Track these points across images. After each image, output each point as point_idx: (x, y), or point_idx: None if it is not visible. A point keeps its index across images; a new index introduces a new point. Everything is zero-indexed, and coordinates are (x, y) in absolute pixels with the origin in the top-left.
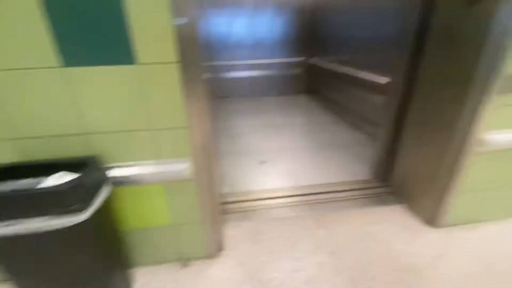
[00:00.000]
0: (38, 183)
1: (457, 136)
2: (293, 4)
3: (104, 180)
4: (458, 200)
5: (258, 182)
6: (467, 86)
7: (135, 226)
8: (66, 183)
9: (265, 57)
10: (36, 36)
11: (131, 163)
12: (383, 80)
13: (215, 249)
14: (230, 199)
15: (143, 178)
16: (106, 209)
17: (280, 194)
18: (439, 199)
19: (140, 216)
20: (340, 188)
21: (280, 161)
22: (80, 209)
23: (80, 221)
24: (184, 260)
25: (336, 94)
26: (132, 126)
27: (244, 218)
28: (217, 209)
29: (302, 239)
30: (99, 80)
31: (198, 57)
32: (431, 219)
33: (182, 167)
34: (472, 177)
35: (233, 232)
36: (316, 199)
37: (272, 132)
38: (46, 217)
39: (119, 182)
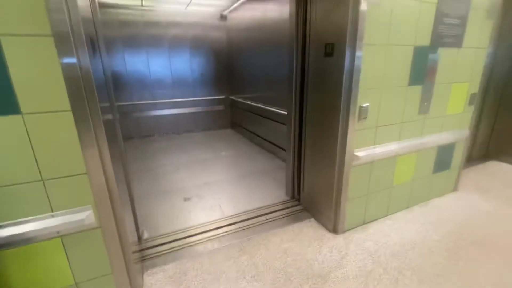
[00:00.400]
0: None
1: (337, 153)
2: (210, 46)
3: None
4: (348, 207)
5: (182, 220)
6: (336, 114)
7: None
8: None
9: (188, 95)
10: None
11: (21, 219)
12: (283, 112)
13: None
14: (151, 243)
15: (36, 235)
16: None
17: (205, 229)
18: (335, 208)
19: (34, 281)
20: (261, 212)
21: (205, 196)
22: None
23: None
24: None
25: (255, 126)
26: (21, 178)
27: (168, 260)
28: (131, 257)
29: (227, 270)
30: None
31: (94, 101)
32: (334, 227)
33: (83, 216)
34: (353, 186)
35: (154, 278)
36: (240, 227)
37: (197, 167)
38: None
39: (5, 244)
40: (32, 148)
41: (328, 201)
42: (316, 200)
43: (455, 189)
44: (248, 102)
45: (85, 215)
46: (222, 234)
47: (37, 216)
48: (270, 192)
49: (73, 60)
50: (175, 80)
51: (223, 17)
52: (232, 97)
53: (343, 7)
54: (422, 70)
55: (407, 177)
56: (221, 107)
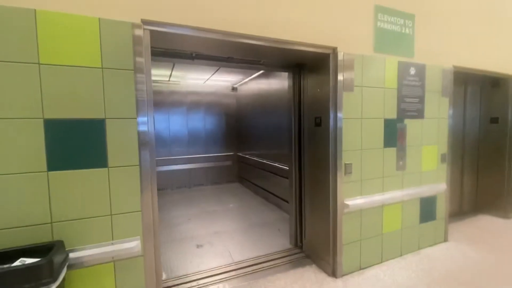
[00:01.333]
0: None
1: (330, 203)
2: (222, 110)
3: (63, 264)
4: (344, 252)
5: (195, 264)
6: (327, 170)
7: None
8: (22, 268)
9: (201, 152)
10: (35, 153)
11: (90, 245)
12: (285, 167)
13: None
14: (170, 283)
15: (97, 258)
16: None
17: (216, 272)
18: (333, 253)
19: None
20: (267, 259)
21: (216, 243)
22: (46, 284)
23: None
24: None
25: (261, 181)
26: (98, 212)
27: None
28: (161, 286)
29: None
30: (79, 178)
31: (153, 158)
32: (333, 271)
33: (133, 244)
34: (347, 233)
35: None
36: (248, 271)
37: (208, 218)
38: None
39: (75, 265)
40: (109, 191)
41: (326, 247)
42: (316, 247)
43: (445, 239)
44: (254, 158)
45: (135, 244)
46: (231, 277)
47: (101, 243)
48: (275, 241)
49: (145, 128)
50: (190, 138)
51: (234, 89)
52: (240, 154)
53: (325, 91)
54: (393, 136)
55: (395, 225)
56: (229, 163)
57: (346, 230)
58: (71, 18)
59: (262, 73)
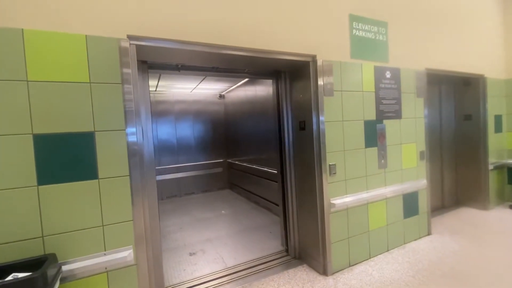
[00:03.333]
0: None
1: (317, 202)
2: (208, 115)
3: (56, 276)
4: (333, 250)
5: (189, 272)
6: (313, 171)
7: None
8: (15, 283)
9: (188, 160)
10: (25, 168)
11: (82, 257)
12: (274, 171)
13: None
14: None
15: (90, 269)
16: None
17: (210, 278)
18: (322, 252)
19: None
20: (260, 262)
21: (208, 250)
22: None
23: None
24: None
25: (251, 186)
26: (89, 223)
27: None
28: None
29: None
30: (68, 192)
31: (143, 168)
32: (323, 270)
33: (126, 254)
34: (335, 231)
35: None
36: (241, 275)
37: (199, 225)
38: None
39: (68, 277)
40: (101, 202)
41: (316, 246)
42: (306, 247)
43: (429, 232)
44: (244, 164)
45: (127, 253)
46: (225, 282)
47: (94, 254)
48: (267, 244)
49: (134, 139)
50: (179, 147)
51: (221, 96)
52: (229, 160)
53: (307, 96)
54: (373, 136)
55: (381, 222)
56: (219, 169)
57: (334, 229)
58: (58, 36)
59: (248, 81)
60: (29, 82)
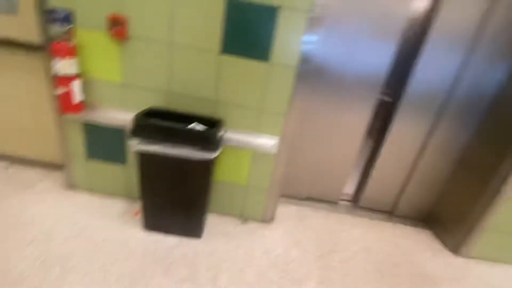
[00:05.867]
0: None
1: (495, 180)
2: None
3: (223, 135)
4: (484, 237)
5: None
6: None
7: (221, 178)
8: (211, 129)
9: None
10: (214, 34)
11: (239, 130)
12: None
13: (269, 217)
14: None
15: (243, 143)
16: (218, 157)
17: None
18: (467, 232)
19: (228, 171)
20: None
21: None
22: (214, 150)
23: (211, 158)
24: (244, 218)
25: None
26: (251, 104)
27: (292, 203)
28: (280, 185)
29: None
30: (243, 66)
31: (311, 70)
32: (455, 247)
33: (272, 143)
34: (501, 219)
35: (283, 210)
36: None
37: None
38: (192, 149)
39: (226, 141)
40: (268, 85)
41: (461, 222)
42: (441, 216)
43: None
44: None
45: (273, 143)
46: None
47: (250, 132)
48: None
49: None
50: None
51: None
52: None
53: None
54: None
55: None
56: None
57: (501, 216)
58: None
59: None
60: None
